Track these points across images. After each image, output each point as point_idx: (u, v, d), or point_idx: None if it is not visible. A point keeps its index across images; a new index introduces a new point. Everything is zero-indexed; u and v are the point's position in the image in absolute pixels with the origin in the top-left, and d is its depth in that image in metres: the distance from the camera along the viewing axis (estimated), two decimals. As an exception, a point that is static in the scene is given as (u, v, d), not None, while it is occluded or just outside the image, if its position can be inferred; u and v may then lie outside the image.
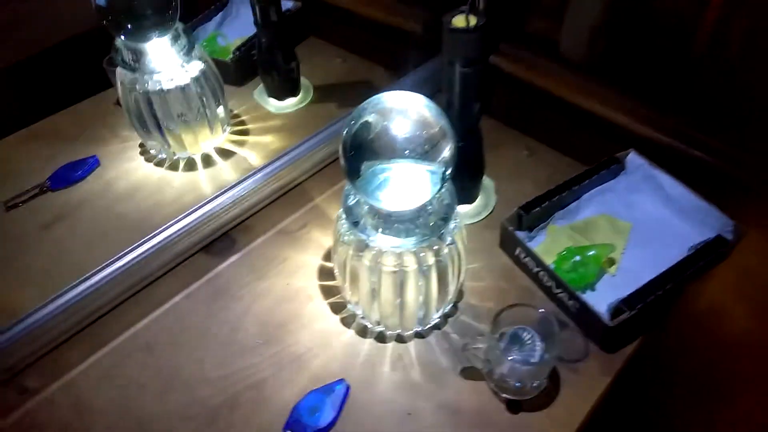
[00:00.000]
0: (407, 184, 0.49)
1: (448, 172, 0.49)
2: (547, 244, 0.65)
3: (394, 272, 0.53)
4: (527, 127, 0.81)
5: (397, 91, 0.50)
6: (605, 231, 0.66)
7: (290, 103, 0.86)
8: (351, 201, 0.53)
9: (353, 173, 0.49)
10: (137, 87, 0.72)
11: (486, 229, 0.70)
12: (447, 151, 0.49)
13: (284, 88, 0.86)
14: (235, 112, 0.84)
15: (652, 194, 0.69)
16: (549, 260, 0.63)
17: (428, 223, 0.52)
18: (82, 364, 0.59)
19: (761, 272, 0.72)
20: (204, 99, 0.75)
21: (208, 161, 0.78)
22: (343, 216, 0.53)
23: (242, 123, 0.83)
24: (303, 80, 0.87)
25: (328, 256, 0.67)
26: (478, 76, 0.59)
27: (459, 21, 0.56)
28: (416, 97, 0.50)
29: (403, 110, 0.49)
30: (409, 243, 0.52)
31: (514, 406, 0.54)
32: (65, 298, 0.59)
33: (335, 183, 0.76)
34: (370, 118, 0.49)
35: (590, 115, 0.76)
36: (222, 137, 0.80)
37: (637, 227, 0.67)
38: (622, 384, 0.58)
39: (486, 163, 0.71)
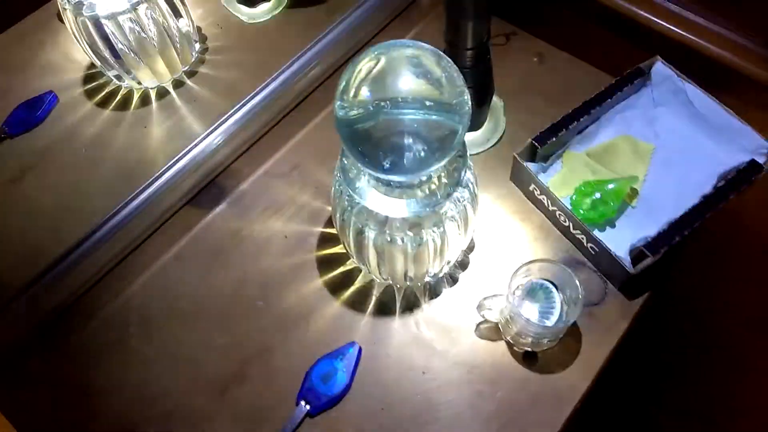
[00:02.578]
0: (413, 147, 0.43)
1: (461, 133, 0.42)
2: (564, 175, 0.60)
3: (404, 238, 0.49)
4: (536, 27, 0.71)
5: (402, 41, 0.42)
6: (625, 155, 0.61)
7: (264, 10, 0.75)
8: (348, 164, 0.47)
9: (351, 139, 0.42)
10: (83, 11, 0.61)
11: (495, 158, 0.64)
12: (460, 109, 0.42)
13: (255, -9, 0.74)
14: (204, 25, 0.73)
15: (679, 110, 0.62)
16: (565, 194, 0.58)
17: (438, 186, 0.47)
18: (78, 336, 0.56)
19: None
20: (163, 16, 0.65)
21: (181, 90, 0.69)
22: (341, 178, 0.48)
23: (213, 39, 0.73)
24: (277, -22, 0.75)
25: (325, 199, 0.62)
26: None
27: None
28: (424, 48, 0.42)
29: (410, 62, 0.42)
30: (415, 207, 0.46)
31: (530, 358, 0.53)
32: (53, 273, 0.55)
33: (323, 108, 0.68)
34: (369, 74, 0.41)
35: (608, 9, 0.66)
36: (192, 59, 0.71)
37: (660, 148, 0.61)
38: (641, 326, 0.57)
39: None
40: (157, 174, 0.59)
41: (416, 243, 0.49)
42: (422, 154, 0.42)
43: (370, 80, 0.41)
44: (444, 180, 0.47)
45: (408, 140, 0.42)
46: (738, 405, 0.84)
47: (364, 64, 0.41)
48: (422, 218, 0.47)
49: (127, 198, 0.57)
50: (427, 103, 0.41)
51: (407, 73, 0.41)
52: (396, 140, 0.42)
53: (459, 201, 0.49)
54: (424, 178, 0.45)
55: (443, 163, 0.43)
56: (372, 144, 0.42)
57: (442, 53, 0.42)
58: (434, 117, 0.42)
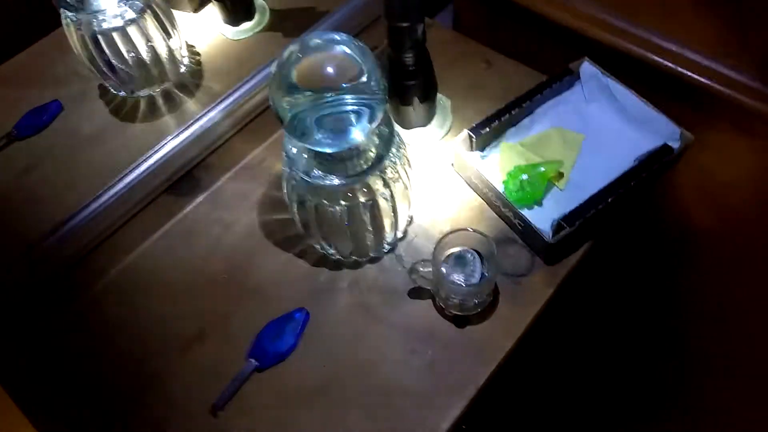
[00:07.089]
0: (341, 124, 0.50)
1: (378, 110, 0.49)
2: (500, 162, 0.66)
3: (340, 208, 0.55)
4: (486, 37, 0.79)
5: (321, 32, 0.50)
6: (556, 145, 0.67)
7: (246, 28, 0.84)
8: (290, 142, 0.55)
9: (285, 117, 0.49)
10: (82, 28, 0.71)
11: (442, 149, 0.70)
12: (374, 90, 0.49)
13: (238, 11, 0.84)
14: (193, 41, 0.83)
15: (606, 104, 0.68)
16: (500, 179, 0.64)
17: (368, 159, 0.54)
18: (67, 311, 0.64)
19: (719, 170, 0.73)
20: (154, 34, 0.74)
21: (168, 98, 0.78)
22: (285, 156, 0.55)
23: (200, 54, 0.82)
24: (257, 0, 0.85)
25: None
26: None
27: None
28: (341, 37, 0.49)
29: (328, 50, 0.49)
30: (350, 179, 0.53)
31: (460, 322, 0.59)
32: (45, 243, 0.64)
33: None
34: (297, 61, 0.49)
35: (547, 21, 0.74)
36: (180, 71, 0.80)
37: (590, 138, 0.67)
38: (570, 291, 0.62)
39: (444, 81, 0.70)
40: (136, 164, 0.67)
41: (350, 212, 0.55)
42: (344, 129, 0.50)
43: (296, 70, 0.48)
44: (371, 155, 0.54)
45: (332, 118, 0.49)
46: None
47: (289, 56, 0.49)
48: (354, 189, 0.54)
49: (109, 184, 0.66)
50: (345, 85, 0.48)
51: (326, 61, 0.48)
52: (322, 119, 0.50)
53: (390, 178, 0.55)
54: (352, 151, 0.52)
55: (362, 138, 0.50)
56: (302, 123, 0.49)
57: (354, 39, 0.49)
58: (351, 98, 0.49)
